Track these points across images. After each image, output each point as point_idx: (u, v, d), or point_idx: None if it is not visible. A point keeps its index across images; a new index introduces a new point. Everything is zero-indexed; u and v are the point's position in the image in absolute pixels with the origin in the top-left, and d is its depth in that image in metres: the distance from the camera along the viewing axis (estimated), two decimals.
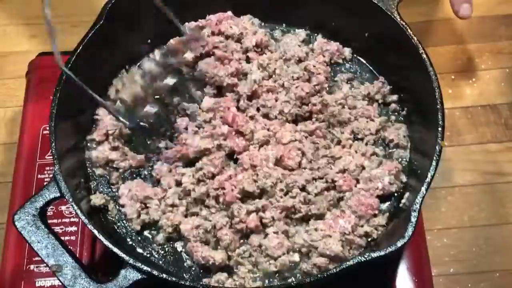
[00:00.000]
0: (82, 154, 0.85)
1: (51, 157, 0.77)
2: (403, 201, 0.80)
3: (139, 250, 0.80)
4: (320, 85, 0.87)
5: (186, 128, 0.85)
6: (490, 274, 0.92)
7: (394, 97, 0.90)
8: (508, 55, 1.10)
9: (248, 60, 0.91)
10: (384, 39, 0.88)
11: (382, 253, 0.66)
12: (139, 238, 0.81)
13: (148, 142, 0.86)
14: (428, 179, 0.72)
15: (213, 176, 0.80)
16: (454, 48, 1.11)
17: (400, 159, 0.85)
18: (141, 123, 0.80)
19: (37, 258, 0.85)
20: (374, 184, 0.80)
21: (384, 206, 0.82)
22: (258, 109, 0.87)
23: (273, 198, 0.79)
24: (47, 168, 0.93)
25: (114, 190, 0.84)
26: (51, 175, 0.91)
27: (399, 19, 0.84)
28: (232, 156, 0.84)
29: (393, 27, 0.84)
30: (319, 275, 0.68)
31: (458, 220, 0.96)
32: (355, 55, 0.94)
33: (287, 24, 0.97)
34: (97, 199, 0.81)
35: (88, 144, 0.86)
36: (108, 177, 0.85)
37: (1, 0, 1.18)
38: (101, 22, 0.84)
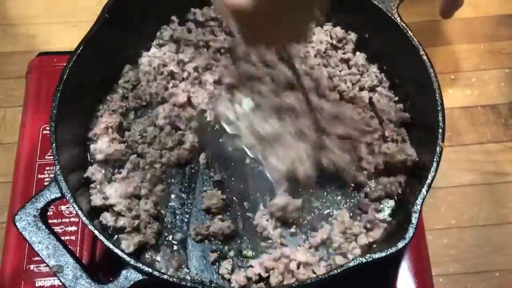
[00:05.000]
0: (82, 154, 0.85)
1: (51, 157, 0.76)
2: (403, 202, 0.80)
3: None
4: None
5: None
6: (490, 274, 0.92)
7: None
8: (508, 55, 1.10)
9: None
10: (384, 40, 0.88)
11: (383, 254, 0.66)
12: None
13: None
14: (428, 180, 0.72)
15: None
16: (454, 48, 1.11)
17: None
18: None
19: (37, 258, 0.85)
20: None
21: (385, 206, 0.82)
22: None
23: None
24: (47, 168, 0.93)
25: None
26: (51, 175, 0.91)
27: (399, 20, 0.84)
28: None
29: (393, 28, 0.84)
30: (320, 276, 0.68)
31: (458, 220, 0.97)
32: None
33: None
34: (97, 200, 0.81)
35: (89, 140, 0.86)
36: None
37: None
38: (101, 22, 0.84)
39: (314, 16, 0.61)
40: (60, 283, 0.71)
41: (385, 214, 0.81)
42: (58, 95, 0.79)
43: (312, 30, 0.62)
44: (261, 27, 0.58)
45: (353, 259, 0.68)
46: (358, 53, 0.92)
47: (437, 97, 0.78)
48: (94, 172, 0.82)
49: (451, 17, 0.87)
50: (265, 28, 0.59)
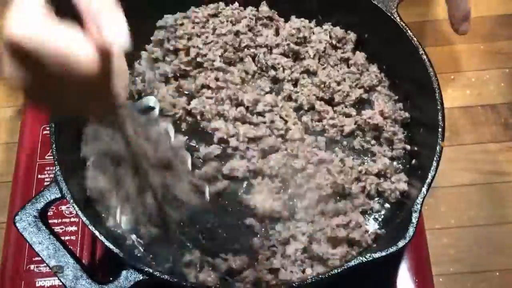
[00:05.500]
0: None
1: (51, 157, 0.76)
2: (403, 201, 0.80)
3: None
4: None
5: None
6: (490, 274, 0.92)
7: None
8: (507, 55, 1.10)
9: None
10: (383, 40, 0.88)
11: (384, 253, 0.66)
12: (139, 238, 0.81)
13: None
14: (428, 180, 0.72)
15: None
16: (453, 48, 1.11)
17: (400, 159, 0.85)
18: None
19: (37, 258, 0.85)
20: None
21: (385, 206, 0.82)
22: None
23: None
24: (47, 168, 0.93)
25: None
26: (51, 175, 0.91)
27: (399, 20, 0.84)
28: None
29: (393, 28, 0.84)
30: (320, 276, 0.68)
31: (458, 220, 0.97)
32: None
33: None
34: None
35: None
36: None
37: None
38: None
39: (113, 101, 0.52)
40: (60, 283, 0.71)
41: (385, 213, 0.81)
42: None
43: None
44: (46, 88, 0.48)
45: (353, 259, 0.68)
46: (357, 52, 0.92)
47: (437, 97, 0.78)
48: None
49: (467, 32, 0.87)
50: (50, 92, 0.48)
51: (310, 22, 0.94)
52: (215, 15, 0.94)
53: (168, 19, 0.93)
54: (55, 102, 0.50)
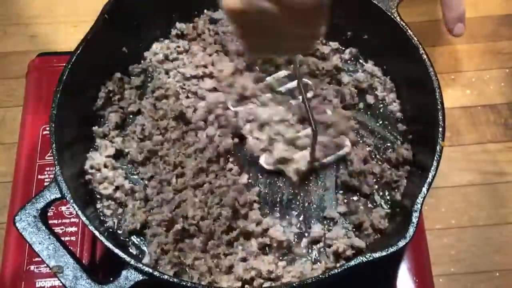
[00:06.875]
0: (82, 154, 0.85)
1: (51, 157, 0.76)
2: (403, 201, 0.80)
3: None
4: None
5: None
6: (490, 274, 0.92)
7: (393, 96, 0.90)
8: (508, 55, 1.10)
9: None
10: (384, 40, 0.88)
11: (384, 253, 0.66)
12: (139, 238, 0.81)
13: None
14: (429, 180, 0.72)
15: None
16: (454, 48, 1.11)
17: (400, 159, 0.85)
18: None
19: (37, 259, 0.85)
20: None
21: (384, 206, 0.82)
22: None
23: None
24: (47, 168, 0.93)
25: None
26: (51, 176, 0.91)
27: (399, 20, 0.84)
28: None
29: (393, 28, 0.84)
30: (320, 276, 0.68)
31: (458, 220, 0.96)
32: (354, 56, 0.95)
33: None
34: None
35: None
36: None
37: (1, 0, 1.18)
38: (101, 22, 0.84)
39: (318, 34, 0.63)
40: (61, 284, 0.71)
41: (385, 213, 0.81)
42: (58, 95, 0.79)
43: (315, 43, 0.72)
44: (261, 35, 0.60)
45: (353, 259, 0.67)
46: (357, 52, 0.92)
47: (437, 96, 0.78)
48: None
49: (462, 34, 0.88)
50: (265, 37, 0.60)
51: None
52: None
53: None
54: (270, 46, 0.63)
